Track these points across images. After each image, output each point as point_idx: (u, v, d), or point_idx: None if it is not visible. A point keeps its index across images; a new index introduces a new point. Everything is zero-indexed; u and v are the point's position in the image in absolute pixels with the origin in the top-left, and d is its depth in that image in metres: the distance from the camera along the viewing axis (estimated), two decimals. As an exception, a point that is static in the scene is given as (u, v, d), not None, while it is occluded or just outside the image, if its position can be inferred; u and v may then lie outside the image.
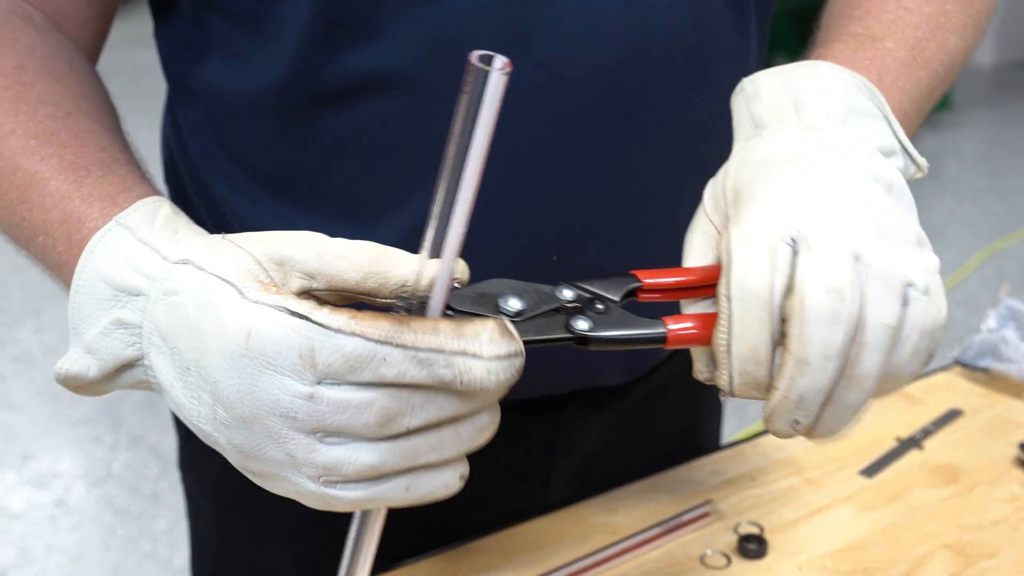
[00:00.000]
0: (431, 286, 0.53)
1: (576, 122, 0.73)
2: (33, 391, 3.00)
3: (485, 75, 0.47)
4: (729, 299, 0.54)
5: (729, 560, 0.81)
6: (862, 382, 0.55)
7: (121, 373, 0.57)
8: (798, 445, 0.96)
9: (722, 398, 0.60)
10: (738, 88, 0.68)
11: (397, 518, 0.87)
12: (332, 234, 0.76)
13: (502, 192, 0.73)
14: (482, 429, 0.53)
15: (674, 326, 0.56)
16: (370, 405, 0.49)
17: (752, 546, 0.82)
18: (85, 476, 2.64)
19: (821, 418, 0.56)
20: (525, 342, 0.52)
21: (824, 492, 0.90)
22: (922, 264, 0.57)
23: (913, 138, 0.69)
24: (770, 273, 0.54)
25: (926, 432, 0.99)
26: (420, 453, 0.52)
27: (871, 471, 0.93)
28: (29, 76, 0.68)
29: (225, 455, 0.54)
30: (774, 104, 0.64)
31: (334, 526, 0.88)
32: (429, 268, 0.53)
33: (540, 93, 0.71)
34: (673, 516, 0.85)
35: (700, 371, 0.59)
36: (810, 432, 0.57)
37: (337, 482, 0.51)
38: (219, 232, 0.81)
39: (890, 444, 0.97)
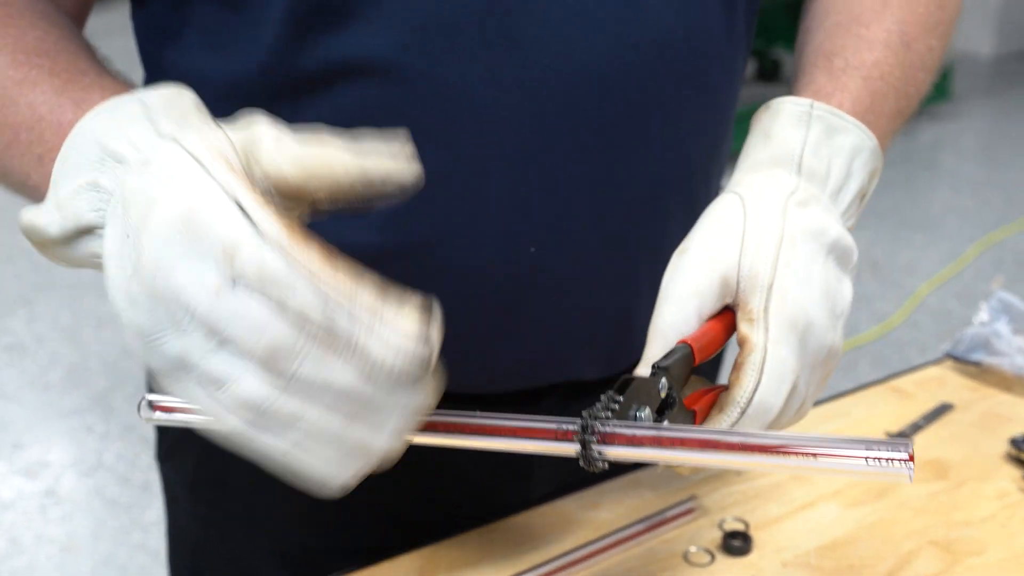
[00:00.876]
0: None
1: (562, 116, 0.72)
2: (24, 381, 2.99)
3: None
4: (743, 411, 0.59)
5: (713, 557, 0.80)
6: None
7: (80, 238, 0.56)
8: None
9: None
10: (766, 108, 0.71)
11: (376, 515, 0.86)
12: (310, 224, 0.75)
13: (484, 182, 0.72)
14: (366, 451, 0.52)
15: None
16: (265, 328, 0.48)
17: (736, 543, 0.81)
18: (76, 466, 2.63)
19: None
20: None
21: (810, 488, 0.89)
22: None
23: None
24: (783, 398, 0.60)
25: (916, 427, 0.97)
26: (307, 410, 0.50)
27: (859, 466, 0.92)
28: (16, 10, 0.68)
29: (133, 346, 0.52)
30: (785, 154, 0.67)
31: (313, 520, 0.87)
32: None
33: (525, 86, 0.70)
34: (657, 512, 0.83)
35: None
36: None
37: (224, 401, 0.50)
38: None
39: (879, 438, 0.96)
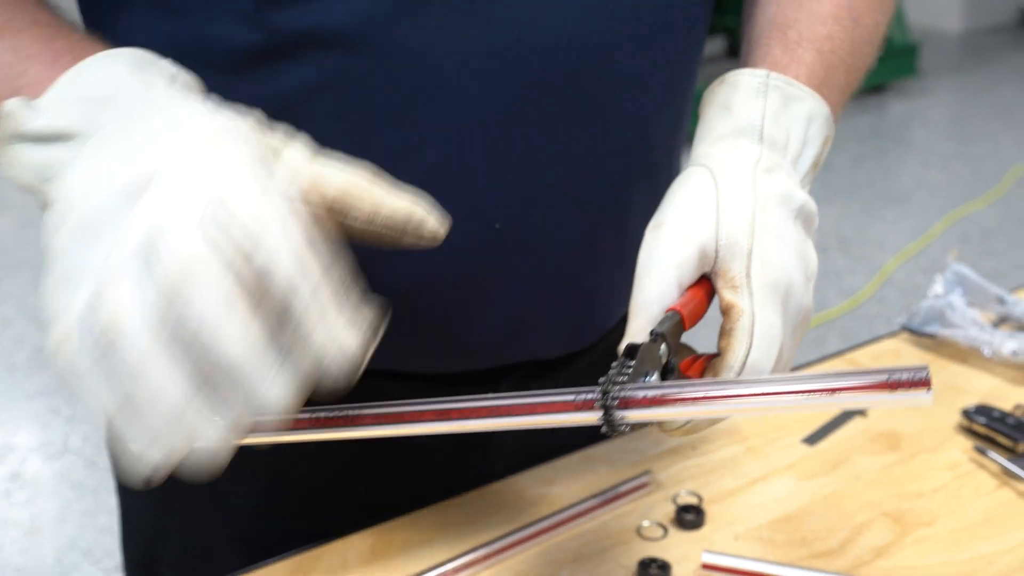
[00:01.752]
0: None
1: (528, 88, 0.71)
2: (-11, 363, 2.96)
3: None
4: (737, 375, 0.60)
5: (666, 531, 0.80)
6: None
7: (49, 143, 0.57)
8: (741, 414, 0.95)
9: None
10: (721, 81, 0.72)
11: (333, 498, 0.86)
12: None
13: (449, 156, 0.71)
14: (199, 433, 0.49)
15: None
16: (208, 258, 0.49)
17: (689, 516, 0.81)
18: (42, 449, 2.61)
19: None
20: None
21: (765, 461, 0.89)
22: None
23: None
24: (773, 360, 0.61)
25: (870, 399, 0.98)
26: (168, 364, 0.47)
27: (813, 439, 0.92)
28: None
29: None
30: (745, 126, 0.68)
31: (270, 505, 0.87)
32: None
33: (492, 57, 0.70)
34: (611, 487, 0.83)
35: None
36: None
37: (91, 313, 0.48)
38: None
39: (833, 412, 0.96)
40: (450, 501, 0.83)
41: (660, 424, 0.60)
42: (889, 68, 5.23)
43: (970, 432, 0.92)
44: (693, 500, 0.83)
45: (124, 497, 0.95)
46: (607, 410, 0.51)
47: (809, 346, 3.00)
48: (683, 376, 0.60)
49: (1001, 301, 1.07)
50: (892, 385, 0.45)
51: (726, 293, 0.61)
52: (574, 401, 0.52)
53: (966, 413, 0.93)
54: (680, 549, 0.78)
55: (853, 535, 0.80)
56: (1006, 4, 6.64)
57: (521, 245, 0.76)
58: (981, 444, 0.90)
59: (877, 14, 0.79)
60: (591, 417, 0.52)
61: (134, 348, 0.47)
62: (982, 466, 0.88)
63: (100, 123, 0.56)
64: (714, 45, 5.32)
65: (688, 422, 0.60)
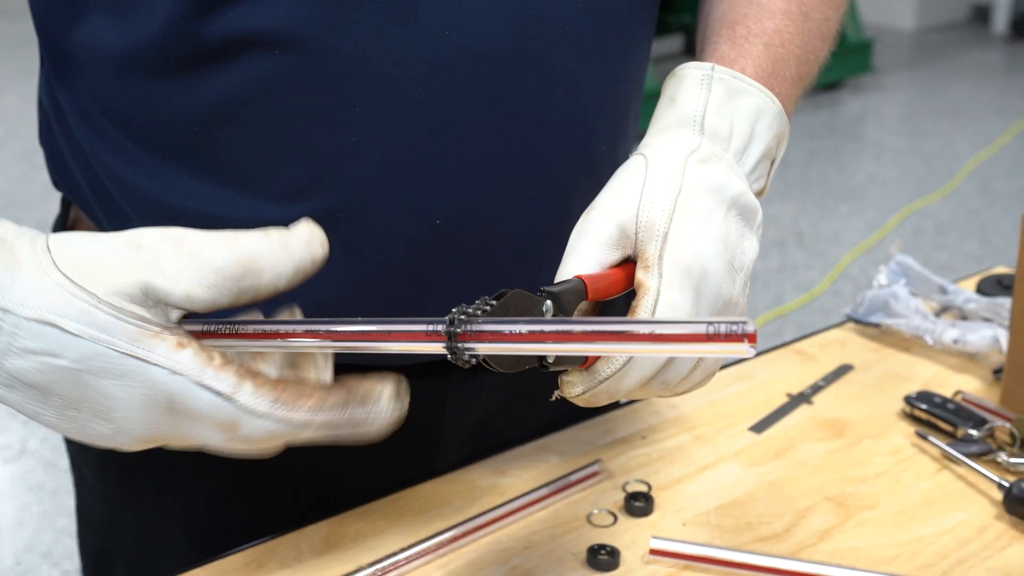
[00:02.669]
0: None
1: (466, 90, 0.72)
2: (-55, 367, 2.93)
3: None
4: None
5: (616, 518, 0.82)
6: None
7: None
8: (690, 403, 0.97)
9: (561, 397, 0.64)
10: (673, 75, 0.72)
11: (284, 488, 0.87)
12: (218, 198, 0.74)
13: (388, 156, 0.72)
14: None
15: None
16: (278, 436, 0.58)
17: (639, 504, 0.82)
18: (0, 452, 2.59)
19: None
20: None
21: (713, 449, 0.91)
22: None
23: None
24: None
25: (816, 387, 1.00)
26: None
27: (760, 427, 0.94)
28: None
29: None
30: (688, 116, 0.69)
31: (225, 498, 0.88)
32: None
33: (429, 59, 0.71)
34: (561, 476, 0.85)
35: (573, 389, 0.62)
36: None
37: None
38: (96, 196, 0.79)
39: (781, 400, 0.98)
40: (403, 492, 0.85)
41: (560, 387, 0.61)
42: (844, 65, 5.29)
43: (912, 418, 0.95)
44: (642, 488, 0.85)
45: (80, 493, 0.96)
46: (451, 338, 0.52)
47: (768, 339, 3.04)
48: None
49: (943, 291, 1.10)
50: (710, 337, 0.46)
51: (639, 273, 0.62)
52: (425, 331, 0.54)
53: (908, 400, 0.95)
54: (629, 535, 0.80)
55: (797, 519, 0.82)
56: (959, 2, 6.73)
57: (462, 242, 0.77)
58: (922, 429, 0.92)
59: (828, 8, 0.80)
60: (438, 347, 0.53)
61: None
62: (923, 451, 0.91)
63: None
64: (673, 43, 5.36)
65: (584, 391, 0.61)
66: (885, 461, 0.89)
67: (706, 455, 0.90)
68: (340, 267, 0.75)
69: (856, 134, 4.93)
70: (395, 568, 0.76)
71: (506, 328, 0.51)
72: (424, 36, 0.70)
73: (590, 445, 0.91)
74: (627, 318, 0.55)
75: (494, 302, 0.54)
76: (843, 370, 1.03)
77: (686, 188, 0.64)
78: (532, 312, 0.58)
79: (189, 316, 0.57)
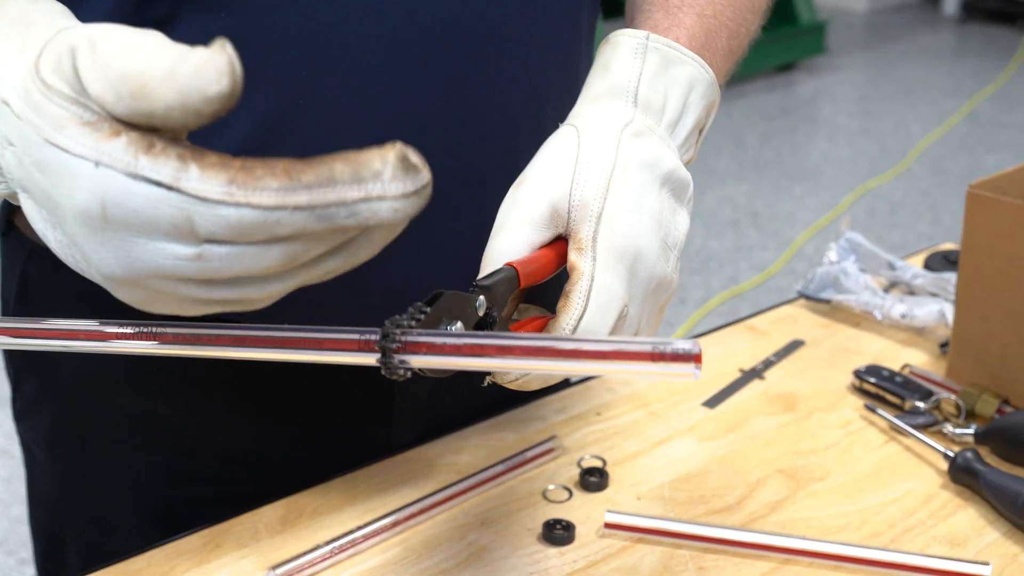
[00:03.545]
0: None
1: (414, 51, 0.72)
2: None
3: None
4: (574, 330, 0.60)
5: (571, 493, 0.83)
6: None
7: None
8: (644, 380, 0.98)
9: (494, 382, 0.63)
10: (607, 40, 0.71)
11: (236, 462, 0.87)
12: None
13: (338, 118, 0.72)
14: (375, 245, 0.49)
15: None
16: (267, 252, 0.45)
17: (593, 479, 0.83)
18: (-47, 441, 2.57)
19: None
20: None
21: (666, 424, 0.92)
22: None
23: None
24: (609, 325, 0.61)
25: (768, 363, 1.01)
26: (327, 268, 0.49)
27: (713, 402, 0.95)
28: None
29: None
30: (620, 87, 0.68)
31: (176, 472, 0.87)
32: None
33: (374, 21, 0.70)
34: (517, 453, 0.86)
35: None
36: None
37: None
38: None
39: (734, 376, 0.99)
40: (359, 471, 0.85)
41: (492, 374, 0.61)
42: (797, 46, 5.33)
43: (861, 391, 0.96)
44: (597, 463, 0.86)
45: (30, 471, 0.95)
46: (385, 351, 0.50)
47: (723, 317, 3.07)
48: (507, 332, 0.60)
49: (891, 267, 1.11)
50: (656, 356, 0.44)
51: (572, 255, 0.62)
52: (358, 340, 0.51)
53: (857, 374, 0.97)
54: (584, 510, 0.81)
55: (749, 491, 0.84)
56: (910, -17, 6.80)
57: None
58: (871, 402, 0.94)
59: None
60: (370, 358, 0.50)
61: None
62: (871, 423, 0.92)
63: None
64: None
65: (517, 377, 0.60)
66: (835, 434, 0.91)
67: (660, 430, 0.91)
68: None
69: (810, 115, 4.97)
70: (352, 546, 0.76)
71: (441, 340, 0.49)
72: None
73: (545, 422, 0.92)
74: (578, 337, 0.52)
75: (427, 309, 0.53)
76: (794, 345, 1.04)
77: (620, 164, 0.64)
78: (466, 310, 0.56)
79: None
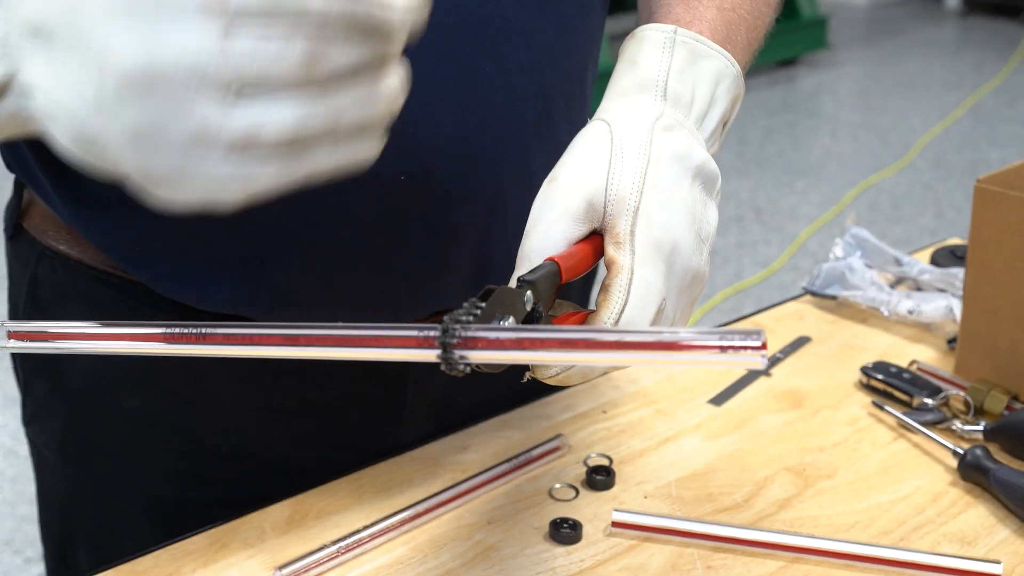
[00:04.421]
0: None
1: (424, 42, 0.72)
2: (-102, 356, 2.89)
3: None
4: (615, 324, 0.60)
5: (577, 492, 0.82)
6: None
7: None
8: (650, 377, 0.98)
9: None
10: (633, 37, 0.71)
11: (245, 461, 0.87)
12: None
13: None
14: (398, 90, 0.50)
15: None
16: (290, 45, 0.44)
17: (600, 477, 0.83)
18: (-43, 441, 2.57)
19: None
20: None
21: (673, 422, 0.92)
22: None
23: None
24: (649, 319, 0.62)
25: (774, 360, 1.01)
26: (345, 108, 0.47)
27: (719, 400, 0.95)
28: None
29: (120, 160, 0.46)
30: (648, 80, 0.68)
31: (186, 473, 0.87)
32: None
33: None
34: (523, 451, 0.85)
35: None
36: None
37: (257, 154, 0.45)
38: (51, 177, 0.78)
39: (740, 373, 0.99)
40: (366, 470, 0.85)
41: (532, 369, 0.61)
42: (799, 41, 5.32)
43: (869, 388, 0.96)
44: (603, 461, 0.85)
45: (40, 474, 0.95)
46: (445, 347, 0.50)
47: (727, 314, 3.07)
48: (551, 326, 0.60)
49: (898, 262, 1.11)
50: (724, 348, 0.45)
51: (610, 249, 0.62)
52: (416, 337, 0.51)
53: (865, 370, 0.96)
54: (591, 509, 0.80)
55: (757, 489, 0.83)
56: (912, -23, 6.79)
57: (423, 197, 0.76)
58: (879, 399, 0.94)
59: None
60: (431, 354, 0.50)
61: (322, 121, 0.47)
62: (880, 420, 0.92)
63: (6, 45, 0.48)
64: (629, 21, 5.35)
65: (558, 372, 0.60)
66: (843, 431, 0.91)
67: (666, 428, 0.91)
68: (301, 225, 0.74)
69: (812, 110, 4.96)
70: (359, 545, 0.76)
71: (501, 335, 0.49)
72: None
73: (551, 420, 0.91)
74: (642, 328, 0.53)
75: (482, 304, 0.53)
76: (800, 342, 1.04)
77: (654, 158, 0.64)
78: (515, 305, 0.57)
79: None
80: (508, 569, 0.75)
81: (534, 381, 0.77)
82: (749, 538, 0.76)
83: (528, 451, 0.85)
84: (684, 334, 0.46)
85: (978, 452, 0.83)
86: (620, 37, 0.87)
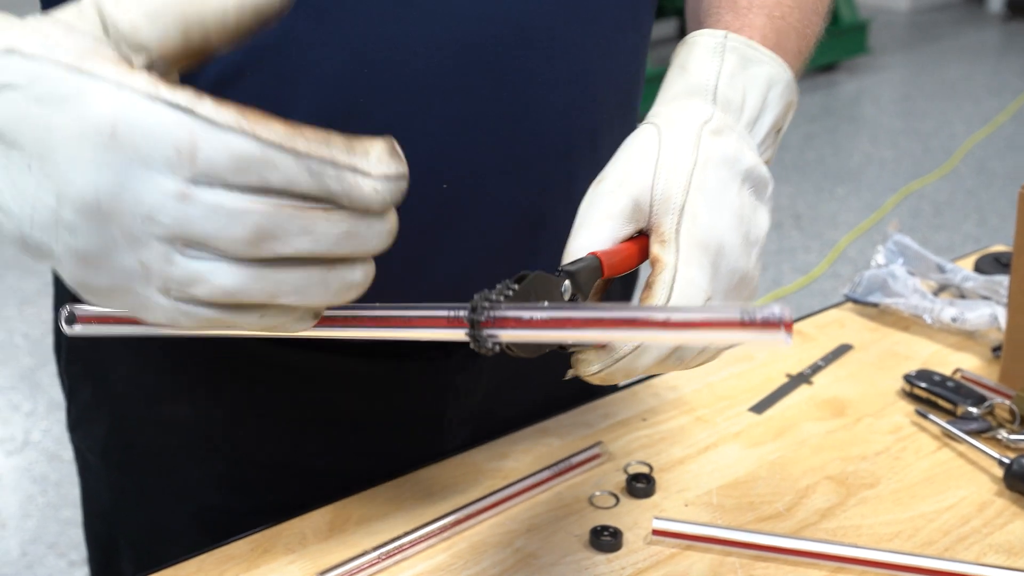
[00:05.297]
0: None
1: (472, 51, 0.72)
2: (-54, 361, 2.94)
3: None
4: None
5: (618, 499, 0.82)
6: None
7: None
8: (690, 385, 0.97)
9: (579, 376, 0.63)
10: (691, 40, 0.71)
11: (291, 472, 0.87)
12: None
13: (398, 117, 0.72)
14: (351, 286, 0.50)
15: None
16: (246, 215, 0.46)
17: (640, 485, 0.83)
18: (3, 444, 2.60)
19: None
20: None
21: (713, 430, 0.91)
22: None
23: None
24: None
25: (816, 367, 1.00)
26: (282, 292, 0.48)
27: (760, 407, 0.94)
28: None
29: (59, 269, 0.49)
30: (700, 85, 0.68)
31: (230, 480, 0.88)
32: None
33: (434, 22, 0.70)
34: (563, 459, 0.85)
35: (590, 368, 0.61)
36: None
37: (193, 300, 0.48)
38: None
39: (781, 381, 0.98)
40: (406, 477, 0.85)
41: (574, 366, 0.61)
42: (839, 46, 5.28)
43: (912, 396, 0.95)
44: (644, 469, 0.85)
45: (84, 479, 0.96)
46: (474, 325, 0.50)
47: (765, 322, 3.04)
48: None
49: (941, 269, 1.10)
50: (745, 324, 0.44)
51: (655, 247, 0.62)
52: (447, 317, 0.52)
53: (908, 378, 0.95)
54: (631, 516, 0.80)
55: (798, 498, 0.83)
56: (954, -19, 6.73)
57: (468, 206, 0.77)
58: (922, 408, 0.93)
59: None
60: (459, 334, 0.51)
61: (264, 289, 0.48)
62: (923, 429, 0.91)
63: None
64: (667, 27, 5.35)
65: (600, 369, 0.60)
66: (885, 440, 0.90)
67: (707, 436, 0.90)
68: None
69: (852, 115, 4.92)
70: (399, 552, 0.76)
71: (530, 314, 0.50)
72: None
73: (591, 428, 0.91)
74: (661, 305, 0.53)
75: (515, 286, 0.53)
76: (842, 350, 1.03)
77: (701, 160, 0.64)
78: (552, 293, 0.57)
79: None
80: (548, 576, 0.75)
81: (574, 388, 0.78)
82: (791, 547, 0.76)
83: (568, 458, 0.85)
84: (705, 313, 0.46)
85: (1024, 462, 0.82)
86: (657, 43, 0.87)
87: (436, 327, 0.52)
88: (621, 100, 0.84)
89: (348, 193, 0.47)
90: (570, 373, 0.62)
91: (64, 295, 0.90)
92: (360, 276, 0.51)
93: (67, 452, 2.54)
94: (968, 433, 0.88)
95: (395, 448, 0.88)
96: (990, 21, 6.38)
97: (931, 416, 0.90)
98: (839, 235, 3.63)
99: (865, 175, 4.17)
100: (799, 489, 0.84)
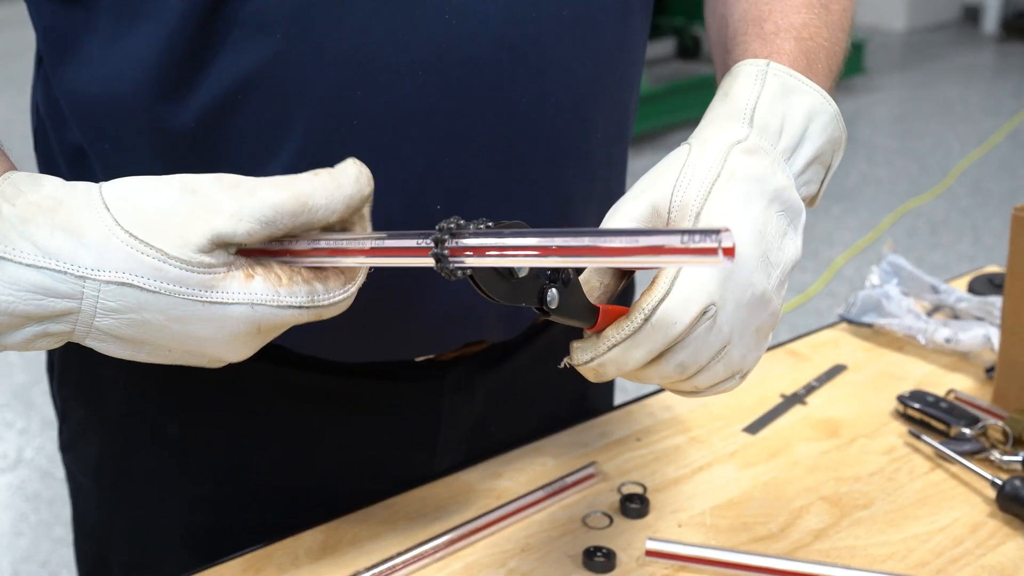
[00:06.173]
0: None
1: (465, 74, 0.72)
2: (-60, 378, 2.93)
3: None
4: (647, 318, 0.60)
5: (611, 520, 0.82)
6: None
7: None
8: (684, 405, 0.97)
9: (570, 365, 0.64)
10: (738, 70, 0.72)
11: (283, 492, 0.87)
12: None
13: (390, 138, 0.72)
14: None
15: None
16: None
17: (634, 505, 0.83)
18: (-4, 462, 2.59)
19: None
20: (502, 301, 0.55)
21: (708, 450, 0.91)
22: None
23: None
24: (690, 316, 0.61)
25: (810, 388, 1.00)
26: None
27: (754, 428, 0.94)
28: None
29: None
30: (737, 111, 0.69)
31: (220, 501, 0.88)
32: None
33: (428, 43, 0.71)
34: (557, 479, 0.85)
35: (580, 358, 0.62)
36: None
37: None
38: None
39: (775, 401, 0.98)
40: (400, 497, 0.85)
41: (569, 355, 0.62)
42: (835, 66, 5.29)
43: (905, 417, 0.95)
44: (637, 489, 0.85)
45: (75, 499, 0.96)
46: (439, 244, 0.53)
47: (761, 342, 3.04)
48: (583, 298, 0.60)
49: (935, 290, 1.10)
50: (685, 250, 0.46)
51: None
52: (416, 246, 0.56)
53: (901, 399, 0.95)
54: (625, 537, 0.80)
55: (792, 519, 0.83)
56: (949, 2, 6.75)
57: None
58: (916, 428, 0.93)
59: (844, 0, 0.80)
60: (428, 261, 0.54)
61: None
62: (916, 449, 0.91)
63: (72, 332, 0.59)
64: (665, 46, 5.37)
65: (592, 358, 0.61)
66: (879, 460, 0.90)
67: (701, 456, 0.90)
68: None
69: (848, 135, 4.92)
70: (392, 572, 0.76)
71: (494, 241, 0.53)
72: (423, 19, 0.70)
73: (585, 447, 0.91)
74: (602, 228, 0.56)
75: (491, 224, 0.54)
76: (836, 370, 1.03)
77: (725, 174, 0.64)
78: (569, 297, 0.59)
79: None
80: (541, 597, 0.75)
81: (569, 408, 0.77)
82: (784, 568, 0.76)
83: (562, 478, 0.85)
84: (649, 237, 0.48)
85: (1017, 483, 0.82)
86: (655, 62, 0.87)
87: (404, 255, 0.57)
88: (614, 121, 0.85)
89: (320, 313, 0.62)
90: (565, 361, 0.63)
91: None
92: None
93: (60, 470, 2.53)
94: (961, 454, 0.88)
95: (389, 468, 0.88)
96: (985, 42, 6.41)
97: (924, 437, 0.90)
98: (835, 254, 3.64)
99: (861, 194, 4.18)
100: (793, 510, 0.84)
